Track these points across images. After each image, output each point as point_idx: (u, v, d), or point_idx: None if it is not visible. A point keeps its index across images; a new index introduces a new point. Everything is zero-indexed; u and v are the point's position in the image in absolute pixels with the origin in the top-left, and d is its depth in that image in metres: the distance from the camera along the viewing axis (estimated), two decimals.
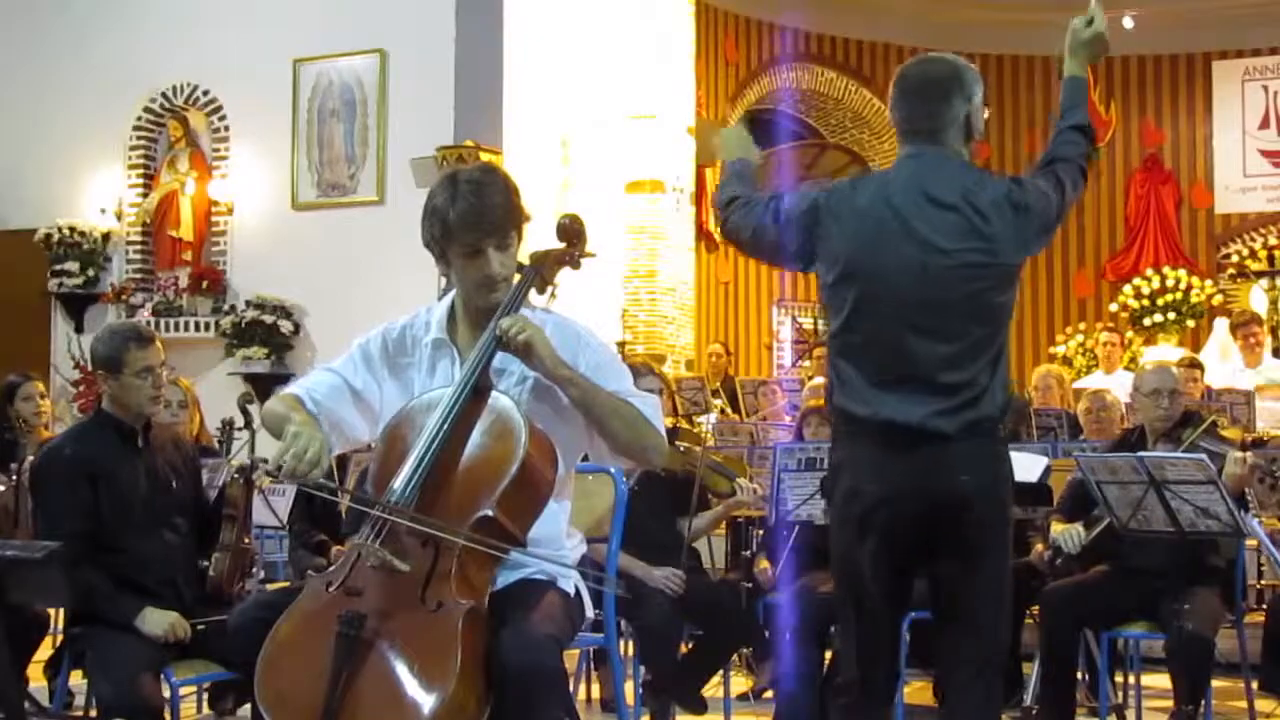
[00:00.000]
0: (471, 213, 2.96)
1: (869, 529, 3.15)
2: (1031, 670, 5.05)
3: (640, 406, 3.02)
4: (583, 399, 2.96)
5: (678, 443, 5.59)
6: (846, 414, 3.19)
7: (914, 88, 3.25)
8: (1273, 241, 13.74)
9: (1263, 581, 7.16)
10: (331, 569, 2.93)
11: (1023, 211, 3.15)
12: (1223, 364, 9.59)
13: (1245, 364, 8.96)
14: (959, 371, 3.10)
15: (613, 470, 3.96)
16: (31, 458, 5.11)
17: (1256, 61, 14.27)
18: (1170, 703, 4.80)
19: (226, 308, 10.23)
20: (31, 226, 10.57)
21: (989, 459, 3.17)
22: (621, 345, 10.57)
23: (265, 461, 2.98)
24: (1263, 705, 5.26)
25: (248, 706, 3.67)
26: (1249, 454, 4.77)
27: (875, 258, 3.13)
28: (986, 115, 3.33)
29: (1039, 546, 5.27)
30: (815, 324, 13.26)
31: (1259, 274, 13.26)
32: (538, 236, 3.49)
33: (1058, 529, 4.96)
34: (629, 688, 4.76)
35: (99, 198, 10.63)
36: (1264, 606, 6.24)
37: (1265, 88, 14.23)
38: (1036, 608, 5.09)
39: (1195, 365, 8.55)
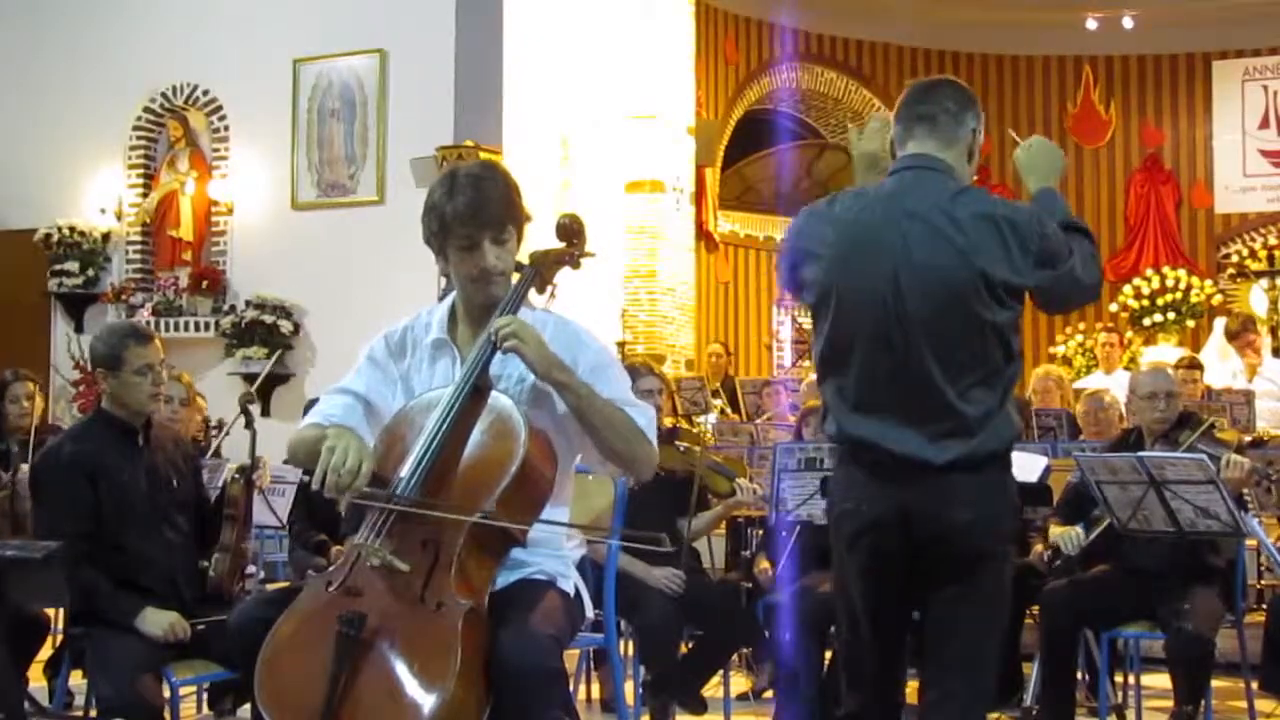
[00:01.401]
0: (468, 206, 2.95)
1: (857, 549, 3.02)
2: (1031, 670, 5.05)
3: (635, 417, 2.98)
4: (578, 405, 2.92)
5: (678, 443, 5.59)
6: (837, 434, 3.04)
7: (928, 84, 3.12)
8: (1273, 241, 13.73)
9: (1263, 581, 7.16)
10: (331, 569, 2.93)
11: (1006, 227, 2.91)
12: (1222, 365, 9.58)
13: (1246, 378, 8.95)
14: (948, 398, 2.89)
15: None
16: (21, 458, 5.09)
17: (1256, 61, 14.26)
18: (1170, 703, 4.80)
19: (226, 308, 10.22)
20: (31, 226, 10.57)
21: (986, 491, 2.94)
22: (621, 345, 10.57)
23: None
24: (1263, 705, 5.26)
25: (248, 706, 3.67)
26: (1246, 458, 4.78)
27: (849, 272, 2.97)
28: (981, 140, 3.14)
29: (1039, 547, 5.27)
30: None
31: (1259, 274, 13.24)
32: (538, 236, 3.49)
33: (1056, 531, 4.96)
34: (629, 688, 4.76)
35: (99, 198, 10.63)
36: (1264, 606, 6.24)
37: (1265, 88, 14.22)
38: (1036, 608, 5.09)
39: (1195, 365, 8.54)
